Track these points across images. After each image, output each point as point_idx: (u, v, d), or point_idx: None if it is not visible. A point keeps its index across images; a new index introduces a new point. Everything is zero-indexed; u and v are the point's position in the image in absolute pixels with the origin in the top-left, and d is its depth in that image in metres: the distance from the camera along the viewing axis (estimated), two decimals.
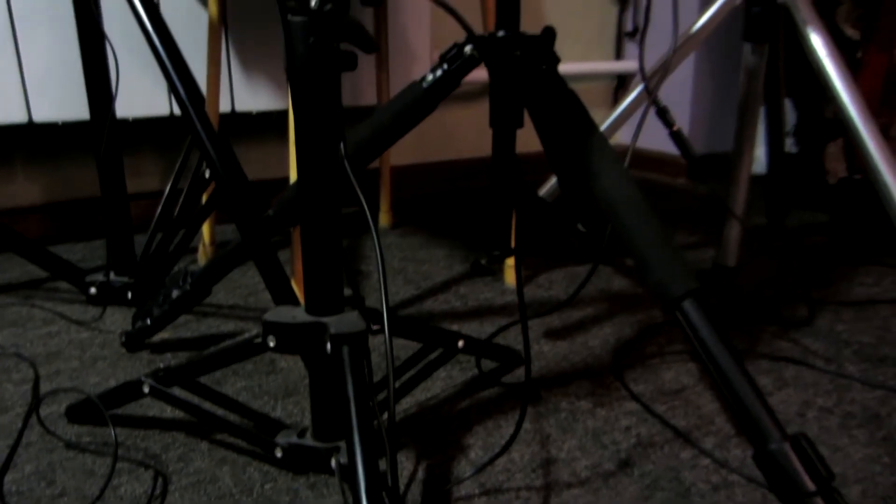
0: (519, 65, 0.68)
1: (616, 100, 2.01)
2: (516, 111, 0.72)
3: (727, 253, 1.09)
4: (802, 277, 1.12)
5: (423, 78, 0.72)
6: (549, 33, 0.70)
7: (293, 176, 0.83)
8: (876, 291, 1.07)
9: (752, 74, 0.97)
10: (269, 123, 1.41)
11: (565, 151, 0.66)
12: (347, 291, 0.59)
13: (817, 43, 0.89)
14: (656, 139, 1.94)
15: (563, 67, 1.81)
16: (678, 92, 1.83)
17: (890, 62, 1.35)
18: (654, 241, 0.56)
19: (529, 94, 0.70)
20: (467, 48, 0.71)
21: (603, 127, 1.09)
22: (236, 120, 1.37)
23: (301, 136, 0.53)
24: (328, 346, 0.54)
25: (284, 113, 1.35)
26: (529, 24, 1.77)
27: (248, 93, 1.25)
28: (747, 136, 1.01)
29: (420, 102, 0.72)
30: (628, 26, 1.95)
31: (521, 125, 0.74)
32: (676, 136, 0.74)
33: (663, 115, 0.75)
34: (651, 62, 1.88)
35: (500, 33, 0.70)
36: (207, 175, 0.87)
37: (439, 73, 0.71)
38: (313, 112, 0.52)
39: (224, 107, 1.23)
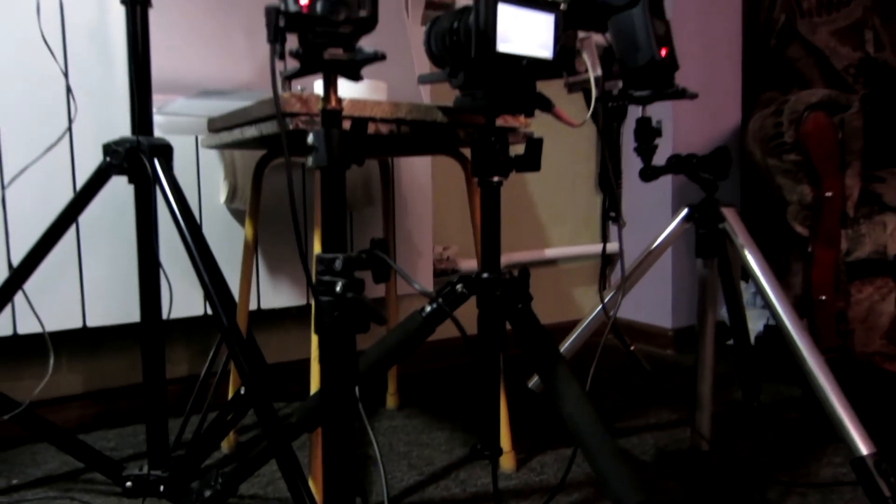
0: (499, 303, 0.84)
1: (604, 275, 2.19)
2: (500, 336, 0.87)
3: (700, 438, 1.20)
4: (770, 464, 1.22)
5: (423, 308, 0.88)
6: (524, 274, 0.87)
7: (314, 386, 0.97)
8: (842, 472, 1.17)
9: (706, 284, 1.14)
10: (289, 315, 1.58)
11: (537, 372, 0.80)
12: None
13: (752, 261, 1.06)
14: (646, 312, 2.11)
15: (554, 251, 2.02)
16: (661, 266, 2.01)
17: (837, 256, 1.52)
18: (610, 458, 0.69)
19: (510, 321, 0.86)
20: (458, 286, 0.87)
21: (567, 343, 1.23)
22: (261, 314, 1.54)
23: (325, 377, 0.68)
24: None
25: (302, 307, 1.52)
26: (524, 212, 1.99)
27: (272, 292, 1.42)
28: (707, 338, 1.15)
29: (420, 329, 0.87)
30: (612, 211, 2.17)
31: (505, 349, 0.89)
32: (632, 355, 0.89)
33: (620, 336, 0.90)
34: (632, 244, 2.08)
35: (485, 275, 0.87)
36: (242, 391, 1.01)
37: (435, 305, 0.87)
38: (335, 361, 0.67)
39: (251, 305, 1.40)
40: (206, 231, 1.34)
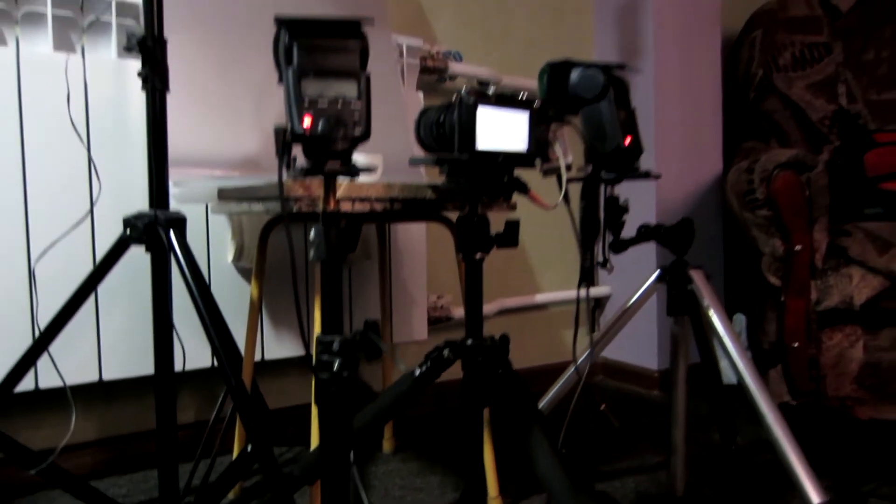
0: (481, 368, 0.93)
1: (593, 318, 2.29)
2: (483, 394, 0.96)
3: (675, 482, 1.28)
4: None
5: (413, 371, 0.97)
6: (504, 341, 0.96)
7: (314, 437, 1.06)
8: None
9: (677, 340, 1.23)
10: (291, 363, 1.67)
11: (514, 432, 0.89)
12: None
13: (717, 321, 1.15)
14: (632, 353, 2.19)
15: (545, 296, 2.11)
16: (646, 308, 2.10)
17: (807, 305, 1.62)
18: None
19: (491, 385, 0.95)
20: (445, 351, 0.97)
21: (546, 400, 1.31)
22: (264, 364, 1.63)
23: (323, 441, 0.77)
24: None
25: (303, 357, 1.61)
26: (515, 258, 2.08)
27: (275, 344, 1.51)
28: (679, 391, 1.24)
29: (411, 389, 0.96)
30: (599, 257, 2.27)
31: (489, 405, 0.98)
32: (602, 414, 0.98)
33: (590, 395, 0.98)
34: (620, 288, 2.17)
35: (469, 341, 0.96)
36: (249, 448, 1.10)
37: (424, 368, 0.96)
38: (333, 422, 0.76)
39: (256, 356, 1.49)
40: (215, 287, 1.44)
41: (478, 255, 0.95)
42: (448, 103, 0.94)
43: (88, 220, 1.29)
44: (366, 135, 0.73)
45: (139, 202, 1.36)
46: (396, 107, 1.56)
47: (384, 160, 1.44)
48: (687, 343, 1.24)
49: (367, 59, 0.75)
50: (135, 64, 1.34)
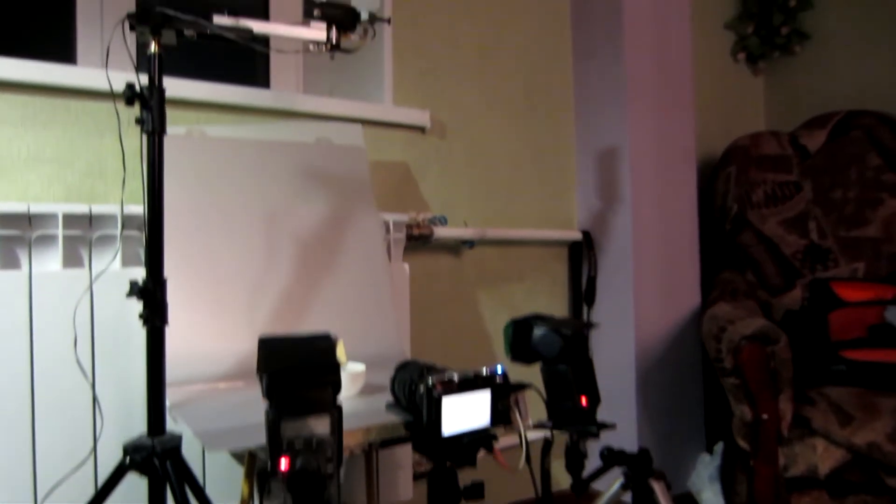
0: None
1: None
2: None
3: None
4: None
5: None
6: None
7: None
8: None
9: None
10: None
11: None
12: None
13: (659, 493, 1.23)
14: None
15: (532, 434, 2.18)
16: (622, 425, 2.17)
17: (776, 471, 1.69)
18: None
19: None
20: None
21: None
22: None
23: None
24: None
25: None
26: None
27: None
28: None
29: None
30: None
31: None
32: None
33: None
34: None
35: None
36: None
37: None
38: None
39: None
40: (209, 472, 1.52)
41: None
42: (421, 371, 1.03)
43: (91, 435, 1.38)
44: (339, 465, 0.82)
45: (140, 406, 1.42)
46: (383, 291, 1.65)
47: (372, 349, 1.55)
48: None
49: (340, 389, 0.84)
50: (139, 271, 1.44)
